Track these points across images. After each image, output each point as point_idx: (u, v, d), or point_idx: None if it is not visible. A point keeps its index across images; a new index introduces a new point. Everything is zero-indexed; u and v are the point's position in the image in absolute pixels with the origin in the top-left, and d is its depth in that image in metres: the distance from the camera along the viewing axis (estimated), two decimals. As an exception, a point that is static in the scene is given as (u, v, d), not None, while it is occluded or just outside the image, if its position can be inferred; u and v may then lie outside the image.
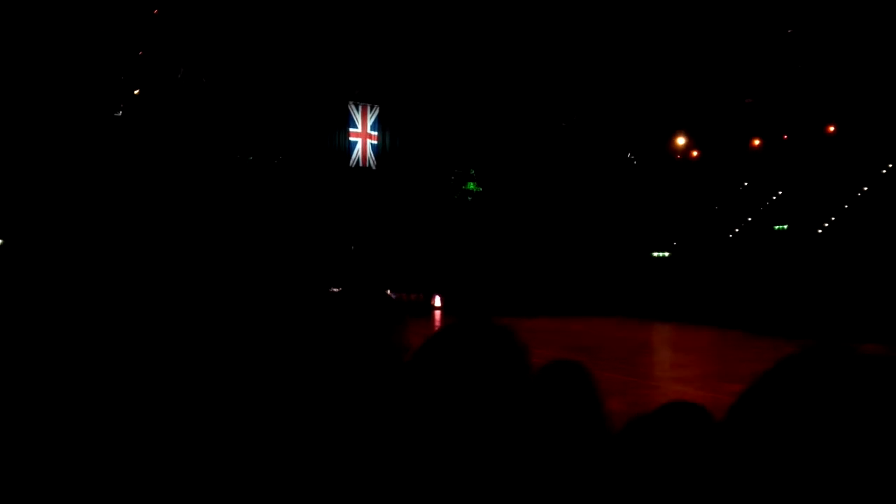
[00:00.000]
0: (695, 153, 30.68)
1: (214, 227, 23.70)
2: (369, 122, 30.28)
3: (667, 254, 29.45)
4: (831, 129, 26.68)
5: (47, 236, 13.53)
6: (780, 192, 28.27)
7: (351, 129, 29.97)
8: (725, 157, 29.61)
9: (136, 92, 21.33)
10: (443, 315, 27.07)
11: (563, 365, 1.86)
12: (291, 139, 27.67)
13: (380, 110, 30.33)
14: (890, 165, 25.21)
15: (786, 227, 26.01)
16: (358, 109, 30.00)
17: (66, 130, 16.94)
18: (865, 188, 25.32)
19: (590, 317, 25.56)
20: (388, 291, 27.78)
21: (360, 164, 30.17)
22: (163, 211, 21.07)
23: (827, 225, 24.84)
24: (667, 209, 30.16)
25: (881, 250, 21.00)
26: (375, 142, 30.47)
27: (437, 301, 29.43)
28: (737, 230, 28.11)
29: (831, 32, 22.75)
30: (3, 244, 12.88)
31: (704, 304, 25.23)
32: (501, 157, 31.63)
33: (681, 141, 29.45)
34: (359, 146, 30.14)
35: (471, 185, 32.36)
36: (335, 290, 26.61)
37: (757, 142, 28.91)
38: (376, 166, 30.46)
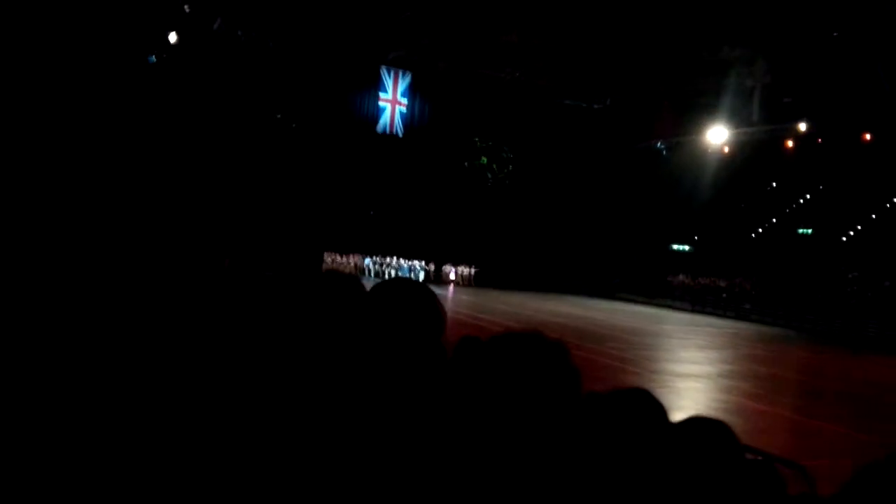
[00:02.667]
0: (726, 149, 30.16)
1: (239, 183, 23.83)
2: (400, 89, 29.90)
3: (687, 247, 29.25)
4: (867, 136, 26.11)
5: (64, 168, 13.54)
6: (808, 196, 27.86)
7: (381, 94, 29.62)
8: (756, 155, 29.11)
9: (171, 39, 21.29)
10: (462, 287, 27.26)
11: (635, 394, 1.58)
12: (320, 98, 27.49)
13: (412, 77, 29.87)
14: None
15: (810, 231, 25.72)
16: (390, 74, 29.63)
17: (96, 70, 16.96)
18: (896, 200, 24.91)
19: (605, 300, 25.58)
20: (431, 265, 28.12)
21: (388, 131, 29.93)
22: (187, 161, 21.19)
23: (852, 233, 24.52)
24: (691, 203, 29.83)
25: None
26: (405, 109, 30.08)
27: (453, 274, 29.65)
28: (760, 230, 27.82)
29: (879, 39, 22.13)
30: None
31: (721, 299, 25.10)
32: (531, 138, 31.39)
33: (712, 135, 28.92)
34: (388, 112, 29.85)
35: (483, 160, 31.97)
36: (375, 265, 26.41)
37: (790, 143, 28.36)
38: (403, 134, 30.16)
